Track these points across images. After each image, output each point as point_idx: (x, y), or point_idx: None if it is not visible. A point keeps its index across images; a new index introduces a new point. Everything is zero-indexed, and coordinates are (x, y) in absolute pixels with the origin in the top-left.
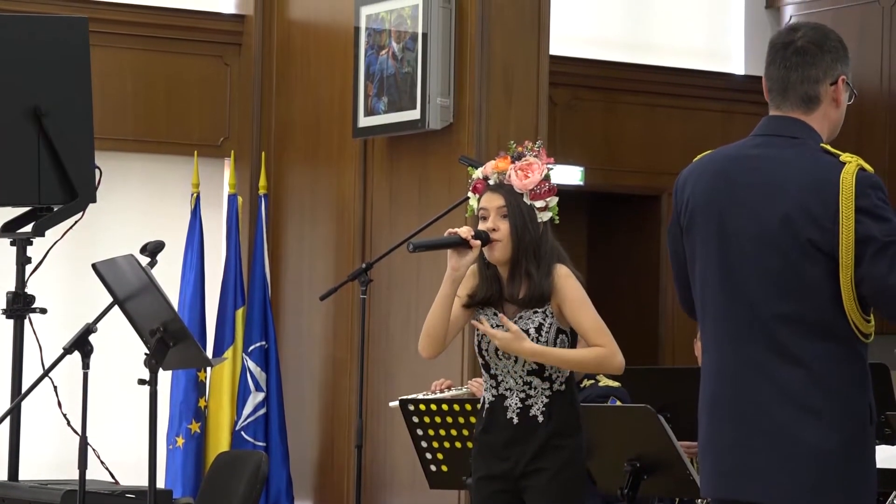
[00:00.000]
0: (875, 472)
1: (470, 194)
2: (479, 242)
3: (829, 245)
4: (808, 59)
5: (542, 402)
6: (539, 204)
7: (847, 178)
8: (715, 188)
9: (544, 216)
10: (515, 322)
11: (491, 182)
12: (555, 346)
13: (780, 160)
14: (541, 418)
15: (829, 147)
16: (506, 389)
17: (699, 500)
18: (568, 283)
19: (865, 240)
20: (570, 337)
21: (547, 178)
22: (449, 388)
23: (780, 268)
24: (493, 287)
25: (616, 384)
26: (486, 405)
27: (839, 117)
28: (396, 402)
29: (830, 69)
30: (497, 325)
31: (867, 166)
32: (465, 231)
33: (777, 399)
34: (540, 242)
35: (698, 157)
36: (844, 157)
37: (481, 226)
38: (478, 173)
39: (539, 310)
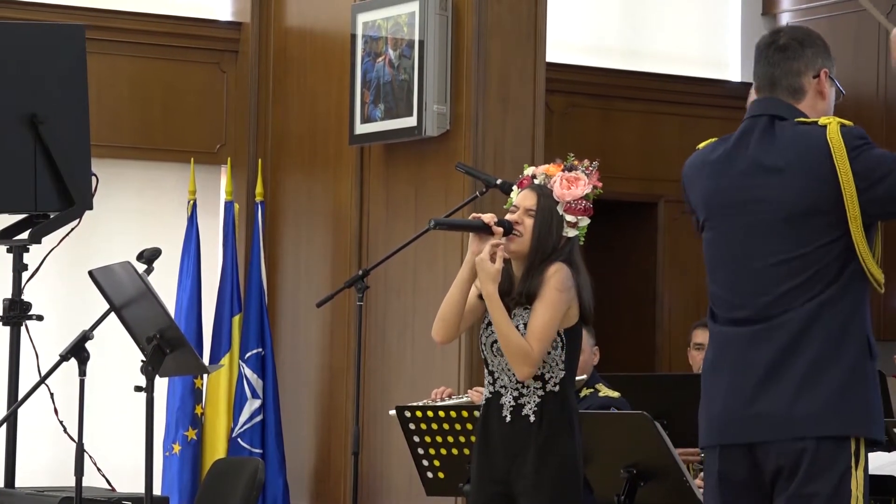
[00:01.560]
0: (878, 403)
1: (514, 188)
2: (501, 230)
3: (832, 200)
4: (790, 55)
5: (534, 401)
6: (570, 218)
7: (835, 138)
8: (711, 175)
9: (570, 232)
10: (512, 318)
11: (537, 181)
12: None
13: (768, 140)
14: (532, 418)
15: (803, 119)
16: (501, 387)
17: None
18: (549, 282)
19: (866, 188)
20: (565, 337)
21: (587, 197)
22: (449, 396)
23: (787, 241)
24: (505, 283)
25: (616, 394)
26: (484, 401)
27: (827, 109)
28: (395, 411)
29: (811, 62)
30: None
31: (846, 121)
32: (488, 217)
33: (781, 349)
34: (556, 252)
35: (702, 144)
36: (822, 120)
37: (508, 216)
38: (529, 171)
39: (530, 307)
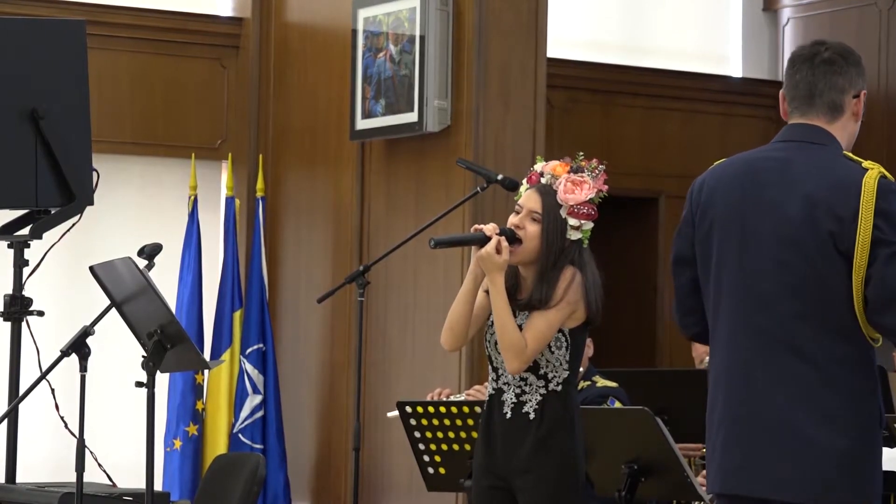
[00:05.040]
0: (881, 474)
1: (524, 182)
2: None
3: (845, 244)
4: (836, 69)
5: (535, 399)
6: (573, 222)
7: (869, 182)
8: (736, 189)
9: (573, 235)
10: (516, 318)
11: (543, 181)
12: (550, 343)
13: (803, 162)
14: (532, 416)
15: (850, 154)
16: (504, 384)
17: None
18: (561, 285)
19: (879, 242)
20: (569, 337)
21: (592, 201)
22: (447, 396)
23: (801, 267)
24: (509, 282)
25: (613, 384)
26: (488, 397)
27: (855, 131)
28: (394, 413)
29: (855, 81)
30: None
31: (888, 174)
32: (489, 228)
33: (790, 399)
34: (562, 255)
35: (716, 162)
36: (867, 164)
37: (511, 218)
38: (538, 166)
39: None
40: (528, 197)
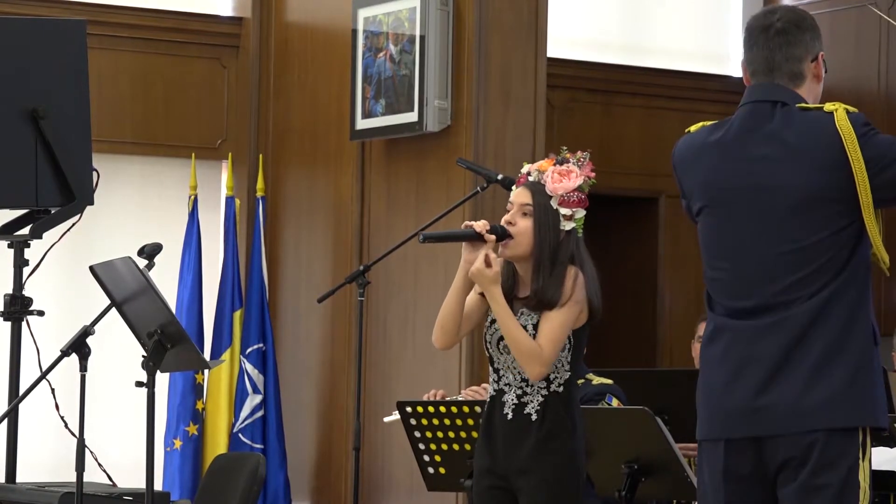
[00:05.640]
0: (884, 392)
1: (514, 187)
2: (493, 237)
3: (845, 191)
4: (790, 39)
5: (537, 400)
6: (565, 211)
7: (844, 125)
8: (710, 162)
9: (567, 225)
10: (518, 317)
11: (531, 178)
12: None
13: (772, 126)
14: (534, 417)
15: (805, 105)
16: (505, 384)
17: None
18: (567, 284)
19: (877, 172)
20: (572, 338)
21: (581, 188)
22: (443, 397)
23: (796, 228)
24: (508, 281)
25: (609, 381)
26: (489, 398)
27: (819, 92)
28: (392, 417)
29: (811, 46)
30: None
31: (850, 107)
32: (480, 225)
33: (787, 340)
34: (559, 248)
35: (693, 128)
36: (827, 106)
37: (504, 217)
38: (525, 169)
39: (543, 312)
40: (517, 194)
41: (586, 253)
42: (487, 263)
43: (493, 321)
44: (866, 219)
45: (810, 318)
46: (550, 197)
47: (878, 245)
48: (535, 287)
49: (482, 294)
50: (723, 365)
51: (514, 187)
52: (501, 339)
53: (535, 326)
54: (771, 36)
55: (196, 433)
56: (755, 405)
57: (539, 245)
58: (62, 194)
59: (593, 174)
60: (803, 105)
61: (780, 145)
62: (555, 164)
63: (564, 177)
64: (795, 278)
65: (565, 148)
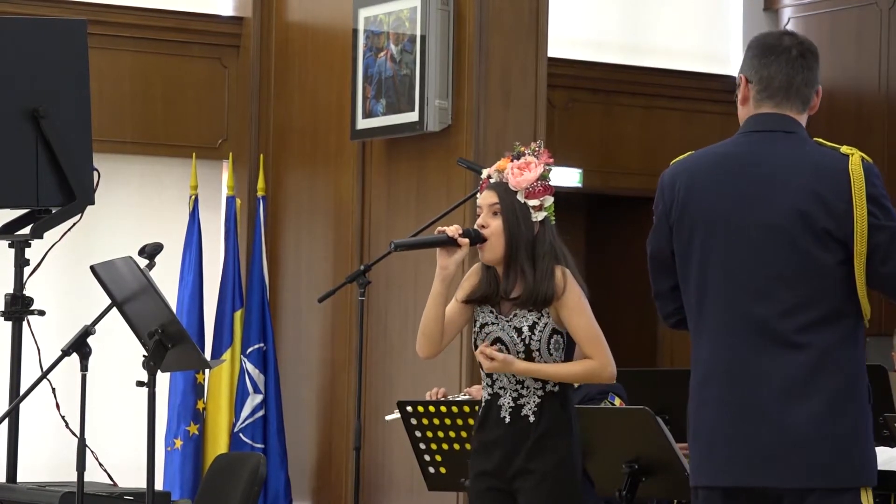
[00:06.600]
0: (875, 454)
1: (479, 193)
2: (467, 241)
3: (842, 232)
4: (809, 64)
5: (534, 402)
6: (533, 202)
7: (856, 169)
8: (714, 184)
9: (538, 215)
10: (510, 320)
11: (492, 180)
12: (548, 345)
13: (783, 154)
14: (532, 418)
15: (823, 141)
16: (500, 388)
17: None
18: (568, 288)
19: (877, 228)
20: (567, 338)
21: (543, 177)
22: (444, 396)
23: (792, 257)
24: (491, 285)
25: None
26: (483, 403)
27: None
28: (393, 416)
29: (818, 77)
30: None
31: (867, 157)
32: (452, 230)
33: (784, 386)
34: (535, 241)
35: (681, 156)
36: (844, 149)
37: (477, 221)
38: (485, 173)
39: (537, 311)
40: (483, 197)
41: (561, 245)
42: (490, 357)
43: (482, 326)
44: (857, 267)
45: (818, 360)
46: (516, 192)
47: (864, 298)
48: (527, 285)
49: (465, 301)
50: (716, 408)
51: (478, 194)
52: (492, 343)
53: (531, 328)
54: (793, 58)
55: (197, 433)
56: (760, 454)
57: (515, 239)
58: (63, 194)
59: (552, 160)
60: (820, 140)
61: (786, 177)
62: (512, 161)
63: (524, 169)
64: (803, 320)
65: (518, 143)
